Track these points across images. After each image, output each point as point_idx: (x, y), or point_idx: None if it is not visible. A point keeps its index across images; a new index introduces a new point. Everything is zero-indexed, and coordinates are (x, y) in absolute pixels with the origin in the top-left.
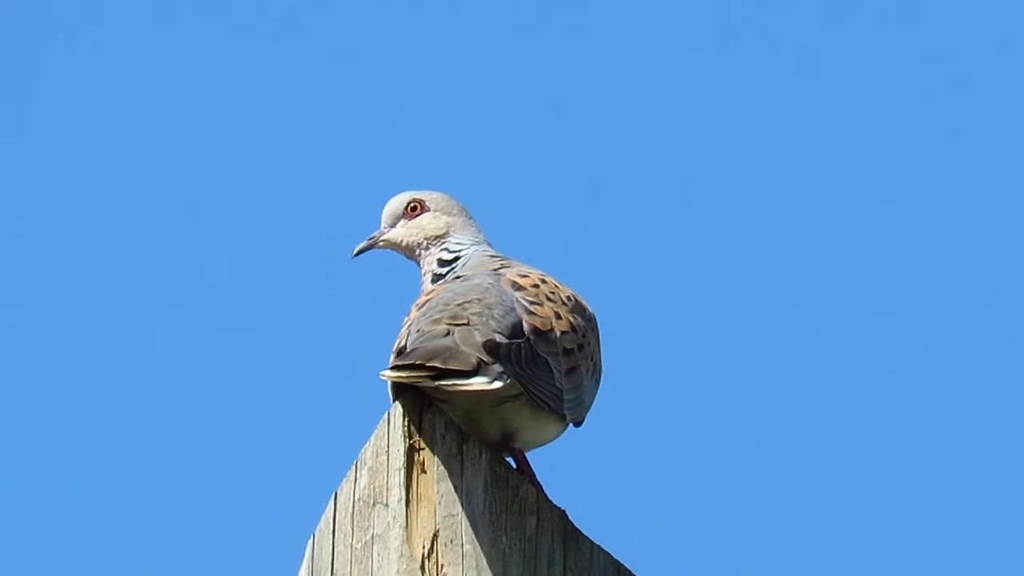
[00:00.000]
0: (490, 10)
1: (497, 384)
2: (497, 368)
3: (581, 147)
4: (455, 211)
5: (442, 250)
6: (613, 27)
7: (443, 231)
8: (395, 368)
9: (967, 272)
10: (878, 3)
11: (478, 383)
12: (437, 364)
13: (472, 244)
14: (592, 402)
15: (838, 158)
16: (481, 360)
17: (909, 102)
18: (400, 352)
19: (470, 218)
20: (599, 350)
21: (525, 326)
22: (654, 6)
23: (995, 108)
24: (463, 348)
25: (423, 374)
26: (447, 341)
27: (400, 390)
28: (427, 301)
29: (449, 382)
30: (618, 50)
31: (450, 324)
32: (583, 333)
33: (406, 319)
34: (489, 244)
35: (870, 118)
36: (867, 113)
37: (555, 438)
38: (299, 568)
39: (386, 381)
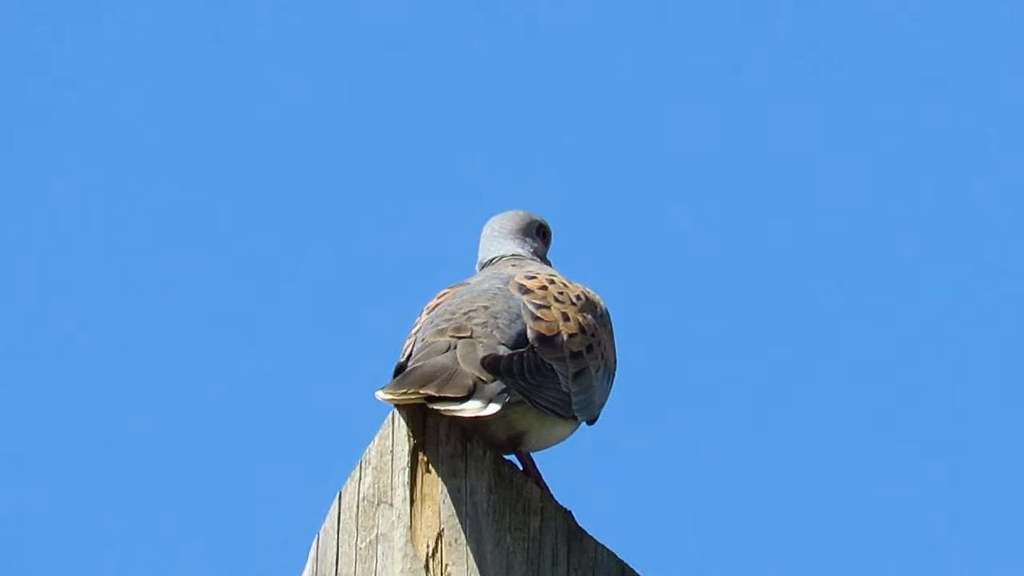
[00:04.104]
0: (504, 12)
1: (493, 408)
2: (494, 388)
3: (592, 145)
4: (484, 232)
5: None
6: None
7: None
8: (390, 390)
9: (972, 273)
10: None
11: (471, 409)
12: (431, 392)
13: (494, 255)
14: (605, 399)
15: (845, 157)
16: (478, 380)
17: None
18: (399, 369)
19: (502, 233)
20: (612, 346)
21: (530, 333)
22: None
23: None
24: (462, 367)
25: (416, 398)
26: (446, 359)
27: (403, 405)
28: (437, 305)
29: (443, 407)
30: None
31: (453, 336)
32: (592, 332)
33: (416, 321)
34: (520, 248)
35: (878, 118)
36: (874, 113)
37: (567, 437)
38: (303, 568)
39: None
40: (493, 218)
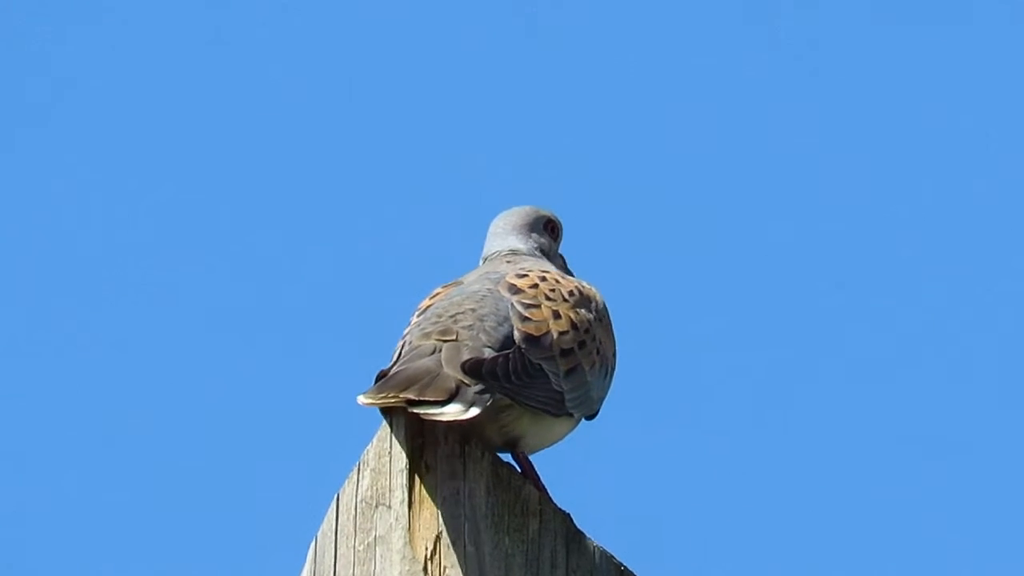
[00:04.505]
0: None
1: (473, 411)
2: (475, 391)
3: (594, 144)
4: (490, 229)
5: None
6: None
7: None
8: (371, 395)
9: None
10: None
11: (451, 413)
12: (411, 396)
13: (494, 252)
14: (604, 395)
15: (845, 157)
16: (461, 383)
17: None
18: (381, 376)
19: (506, 230)
20: (609, 341)
21: (516, 334)
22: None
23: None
24: (445, 370)
25: (397, 402)
26: (429, 362)
27: (387, 409)
28: (428, 306)
29: (422, 411)
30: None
31: (439, 339)
32: (586, 328)
33: (410, 321)
34: (522, 244)
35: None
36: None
37: (567, 434)
38: (301, 570)
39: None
40: (500, 214)
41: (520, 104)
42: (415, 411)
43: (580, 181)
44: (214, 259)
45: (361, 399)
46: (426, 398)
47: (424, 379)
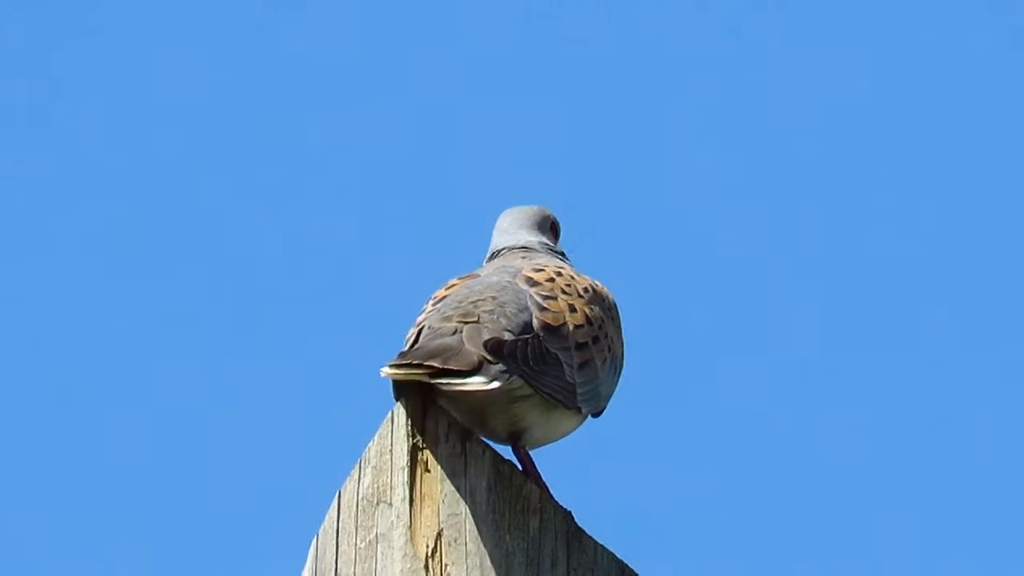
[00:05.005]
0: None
1: (495, 384)
2: (498, 368)
3: (597, 142)
4: (498, 224)
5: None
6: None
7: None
8: (394, 365)
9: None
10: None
11: (475, 383)
12: (435, 364)
13: (505, 247)
14: (611, 392)
15: (850, 156)
16: (483, 359)
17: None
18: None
19: (515, 226)
20: (619, 339)
21: (535, 323)
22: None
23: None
24: (467, 347)
25: (421, 372)
26: (452, 340)
27: (401, 390)
28: (445, 296)
29: (446, 380)
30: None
31: (460, 322)
32: (599, 324)
33: (423, 309)
34: (536, 240)
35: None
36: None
37: (572, 431)
38: (303, 567)
39: (389, 380)
40: (507, 210)
41: (523, 102)
42: (438, 381)
43: (581, 180)
44: (216, 258)
45: (385, 370)
46: (451, 367)
47: (447, 353)
